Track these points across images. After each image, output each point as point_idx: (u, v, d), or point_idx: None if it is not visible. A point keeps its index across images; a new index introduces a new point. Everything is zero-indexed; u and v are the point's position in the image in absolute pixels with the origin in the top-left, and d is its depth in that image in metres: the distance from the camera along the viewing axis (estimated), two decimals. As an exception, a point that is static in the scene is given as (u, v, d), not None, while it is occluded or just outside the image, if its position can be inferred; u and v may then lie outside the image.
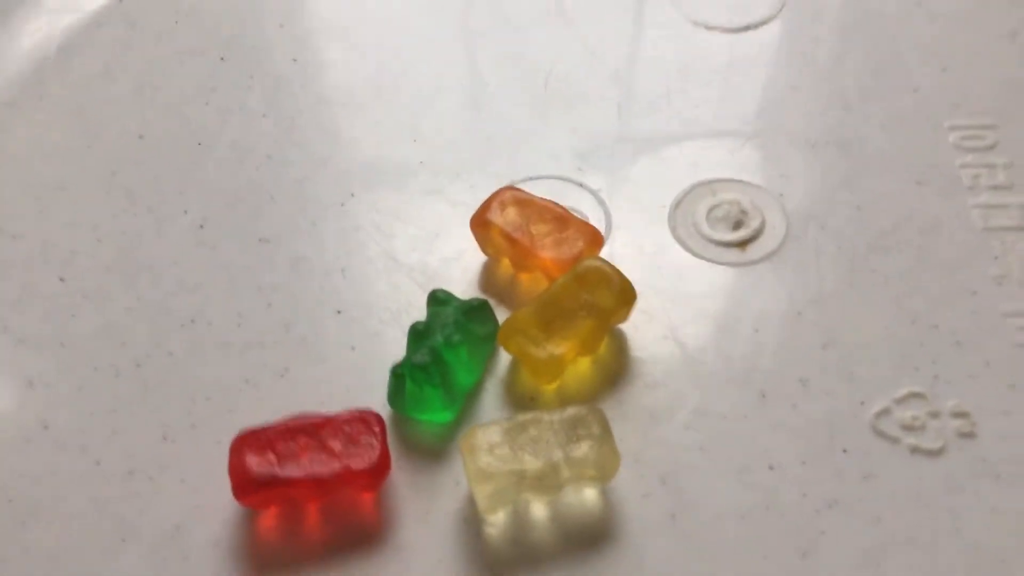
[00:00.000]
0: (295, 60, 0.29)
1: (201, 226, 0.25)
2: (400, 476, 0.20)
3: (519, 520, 0.20)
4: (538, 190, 0.24)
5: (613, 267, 0.22)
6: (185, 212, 0.25)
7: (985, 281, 0.23)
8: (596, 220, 0.25)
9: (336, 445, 0.19)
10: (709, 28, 0.29)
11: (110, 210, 0.25)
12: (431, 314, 0.22)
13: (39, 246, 0.25)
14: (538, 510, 0.20)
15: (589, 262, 0.22)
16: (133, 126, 0.27)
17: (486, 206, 0.23)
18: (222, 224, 0.25)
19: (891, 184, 0.25)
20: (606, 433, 0.19)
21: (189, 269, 0.24)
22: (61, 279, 0.24)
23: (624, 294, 0.22)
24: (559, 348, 0.21)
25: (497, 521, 0.19)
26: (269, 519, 0.19)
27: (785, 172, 0.26)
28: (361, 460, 0.19)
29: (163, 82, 0.28)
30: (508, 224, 0.23)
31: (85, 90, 0.28)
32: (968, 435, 0.21)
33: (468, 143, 0.27)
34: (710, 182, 0.25)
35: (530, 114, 0.27)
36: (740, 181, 0.25)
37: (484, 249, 0.24)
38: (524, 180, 0.25)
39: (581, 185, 0.25)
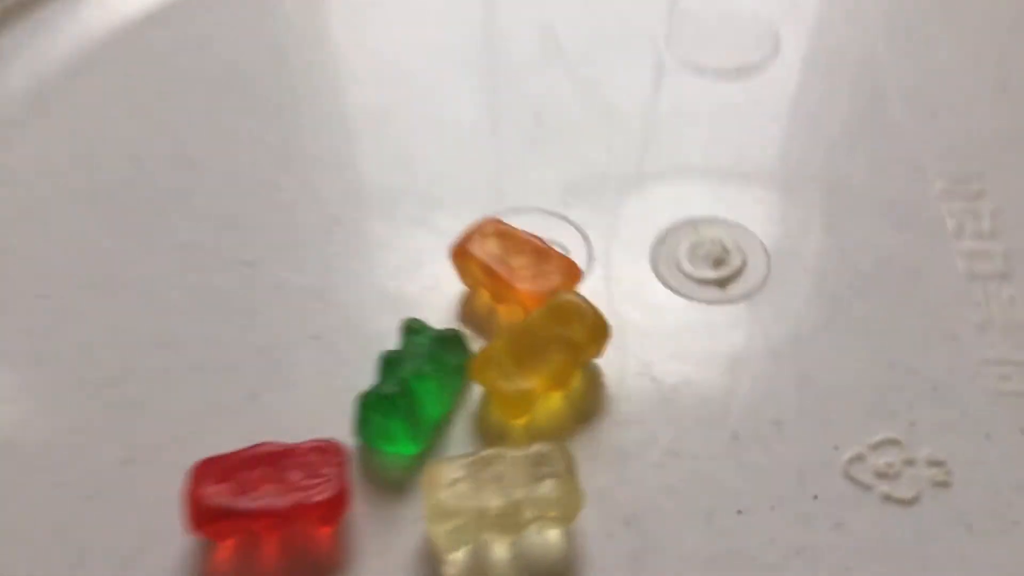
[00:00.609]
0: (293, 88, 0.29)
1: (185, 248, 0.25)
2: (362, 508, 0.20)
3: (479, 560, 0.19)
4: (522, 222, 0.24)
5: (587, 302, 0.22)
6: (171, 234, 0.25)
7: (966, 328, 0.23)
8: (578, 254, 0.24)
9: (296, 476, 0.19)
10: (701, 71, 0.29)
11: (96, 229, 0.25)
12: (404, 343, 0.22)
13: (20, 261, 0.25)
14: (499, 550, 0.19)
15: (564, 296, 0.22)
16: (126, 147, 0.27)
17: (467, 237, 0.23)
18: (207, 247, 0.25)
19: (874, 227, 0.25)
20: (570, 472, 0.19)
21: (169, 291, 0.24)
22: (40, 296, 0.24)
23: (597, 329, 0.22)
24: (529, 383, 0.21)
25: (456, 560, 0.19)
26: (225, 551, 0.19)
27: (769, 213, 0.26)
28: (320, 493, 0.19)
29: (160, 105, 0.28)
30: (487, 255, 0.23)
31: (82, 111, 0.28)
32: (942, 484, 0.20)
33: (456, 174, 0.27)
34: (694, 220, 0.25)
35: (520, 148, 0.27)
36: (724, 220, 0.25)
37: (463, 279, 0.24)
38: (508, 211, 0.25)
39: (565, 219, 0.25)
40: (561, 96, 0.29)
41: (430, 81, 0.29)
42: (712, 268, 0.24)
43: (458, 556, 0.19)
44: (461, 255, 0.23)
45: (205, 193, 0.26)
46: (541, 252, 0.23)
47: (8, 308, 0.24)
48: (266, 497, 0.19)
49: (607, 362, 0.22)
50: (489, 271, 0.23)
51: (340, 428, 0.21)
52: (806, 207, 0.26)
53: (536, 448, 0.19)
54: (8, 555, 0.19)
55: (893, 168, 0.26)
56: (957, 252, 0.24)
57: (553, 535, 0.19)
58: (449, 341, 0.22)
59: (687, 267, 0.24)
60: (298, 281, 0.24)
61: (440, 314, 0.23)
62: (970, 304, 0.23)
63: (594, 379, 0.22)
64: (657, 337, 0.23)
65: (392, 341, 0.22)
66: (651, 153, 0.27)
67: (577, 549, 0.19)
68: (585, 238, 0.25)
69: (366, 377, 0.21)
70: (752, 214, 0.25)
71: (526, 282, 0.23)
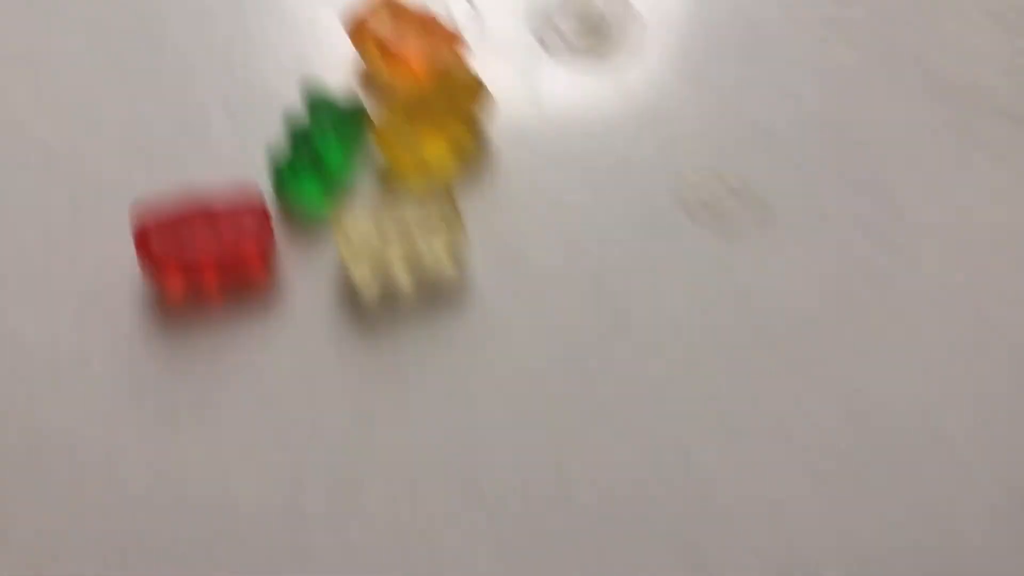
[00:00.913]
0: None
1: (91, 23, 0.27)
2: (286, 253, 0.24)
3: (388, 286, 0.24)
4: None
5: (470, 70, 0.25)
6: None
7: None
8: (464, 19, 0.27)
9: (226, 223, 0.23)
10: None
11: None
12: (311, 113, 0.25)
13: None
14: (403, 277, 0.24)
15: (449, 66, 0.25)
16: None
17: (362, 13, 0.26)
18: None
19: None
20: (457, 216, 0.23)
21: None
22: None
23: (478, 92, 0.25)
24: (425, 147, 0.24)
25: (371, 290, 0.24)
26: (175, 290, 0.23)
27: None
28: (251, 242, 0.23)
29: None
30: (382, 31, 0.26)
31: None
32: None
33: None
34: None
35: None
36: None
37: (358, 50, 0.26)
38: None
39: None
40: None
41: None
42: (587, 35, 0.27)
43: (372, 288, 0.24)
44: (358, 31, 0.26)
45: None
46: (428, 24, 0.26)
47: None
48: (204, 244, 0.23)
49: (489, 122, 0.26)
50: (383, 46, 0.26)
51: (250, 173, 0.24)
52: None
53: (429, 200, 0.23)
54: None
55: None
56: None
57: (447, 267, 0.24)
58: (351, 109, 0.25)
59: (562, 27, 0.27)
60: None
61: (338, 78, 0.26)
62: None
63: (478, 135, 0.26)
64: (533, 101, 0.26)
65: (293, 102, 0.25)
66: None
67: (466, 277, 0.24)
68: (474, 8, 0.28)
69: (273, 137, 0.25)
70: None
71: (416, 53, 0.26)
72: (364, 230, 0.23)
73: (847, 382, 0.22)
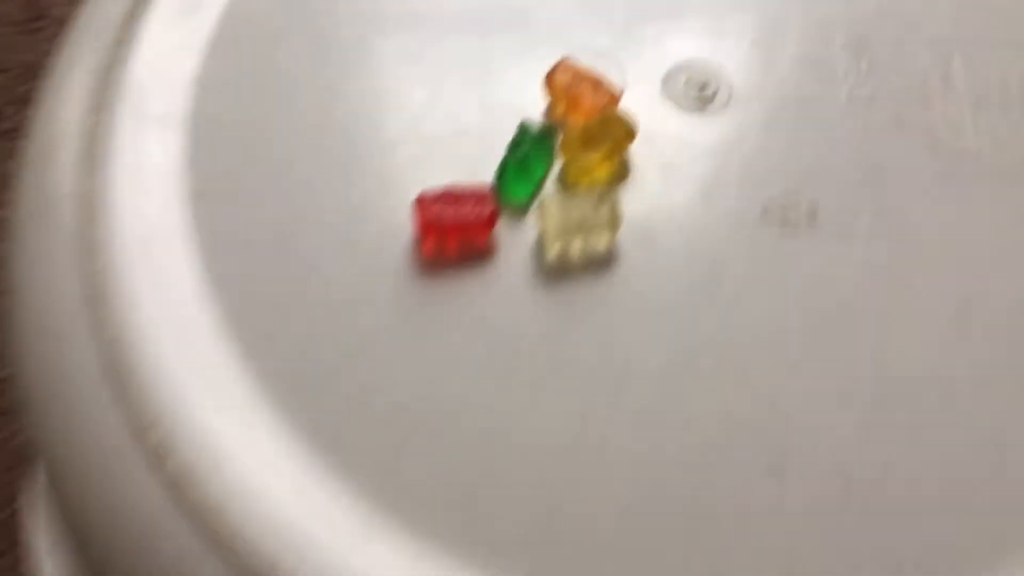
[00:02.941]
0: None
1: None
2: (502, 223, 0.37)
3: (566, 254, 0.36)
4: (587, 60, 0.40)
5: (622, 114, 0.38)
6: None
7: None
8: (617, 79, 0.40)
9: (471, 204, 0.36)
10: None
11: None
12: (522, 132, 0.38)
13: None
14: (576, 249, 0.37)
15: (607, 110, 0.38)
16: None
17: (553, 71, 0.39)
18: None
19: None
20: (615, 206, 0.36)
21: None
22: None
23: (627, 130, 0.38)
24: (592, 162, 0.38)
25: (555, 248, 0.36)
26: (429, 246, 0.36)
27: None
28: (483, 216, 0.36)
29: None
30: (564, 83, 0.39)
31: None
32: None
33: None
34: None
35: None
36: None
37: (550, 94, 0.39)
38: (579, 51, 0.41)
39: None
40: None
41: None
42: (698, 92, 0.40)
43: (556, 247, 0.36)
44: (549, 81, 0.39)
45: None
46: (596, 83, 0.39)
47: None
48: (459, 216, 0.36)
49: (634, 150, 0.39)
50: (567, 94, 0.39)
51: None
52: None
53: (597, 191, 0.37)
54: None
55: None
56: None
57: (606, 239, 0.37)
58: (547, 134, 0.38)
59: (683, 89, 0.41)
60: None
61: (539, 115, 0.39)
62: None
63: (626, 158, 0.39)
64: (663, 139, 0.39)
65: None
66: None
67: (616, 250, 0.37)
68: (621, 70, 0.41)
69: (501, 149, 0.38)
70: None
71: (587, 101, 0.39)
72: (554, 211, 0.36)
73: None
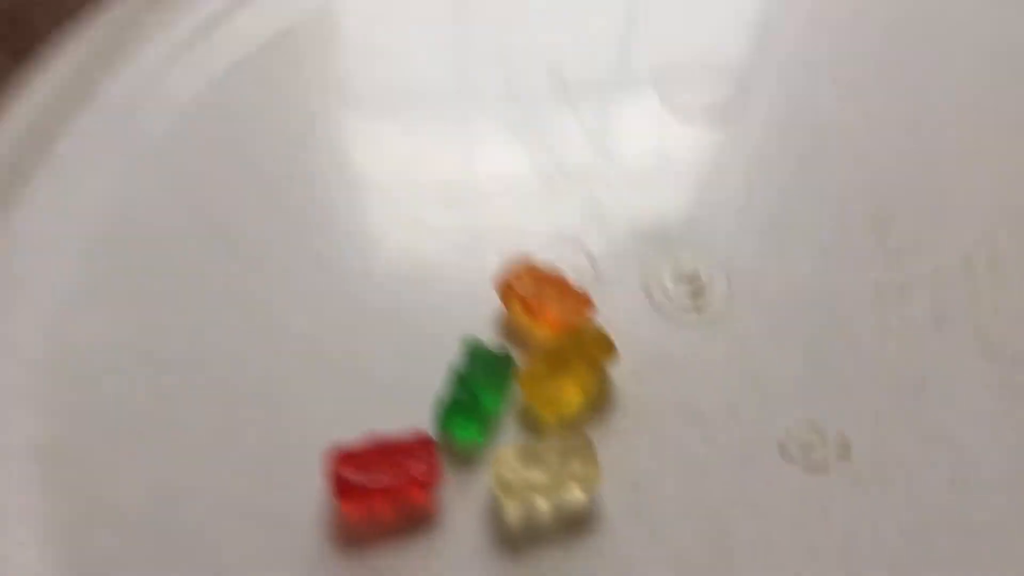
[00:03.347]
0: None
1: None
2: (447, 476, 0.29)
3: (530, 514, 0.29)
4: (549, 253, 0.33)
5: (598, 327, 0.31)
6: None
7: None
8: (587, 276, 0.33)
9: (404, 460, 0.28)
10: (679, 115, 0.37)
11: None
12: (468, 360, 0.30)
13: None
14: (543, 504, 0.29)
15: (582, 323, 0.31)
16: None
17: (508, 275, 0.32)
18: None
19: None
20: (591, 455, 0.28)
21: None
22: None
23: (606, 348, 0.30)
24: (562, 393, 0.30)
25: (515, 516, 0.28)
26: (354, 512, 0.28)
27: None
28: (421, 473, 0.28)
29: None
30: (525, 292, 0.32)
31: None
32: (844, 454, 0.30)
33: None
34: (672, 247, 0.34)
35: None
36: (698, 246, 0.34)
37: (506, 306, 0.32)
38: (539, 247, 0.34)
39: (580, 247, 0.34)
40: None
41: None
42: (688, 289, 0.33)
43: (515, 508, 0.28)
44: (505, 292, 0.32)
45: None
46: (563, 288, 0.32)
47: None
48: (386, 479, 0.28)
49: (614, 372, 0.31)
50: (526, 305, 0.31)
51: (423, 418, 0.30)
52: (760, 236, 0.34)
53: (569, 440, 0.29)
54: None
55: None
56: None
57: (582, 498, 0.29)
58: (502, 360, 0.30)
59: (669, 285, 0.33)
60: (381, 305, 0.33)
61: (490, 328, 0.32)
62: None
63: (607, 383, 0.31)
64: (648, 352, 0.32)
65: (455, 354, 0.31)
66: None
67: (595, 504, 0.29)
68: (593, 265, 0.34)
69: (438, 378, 0.30)
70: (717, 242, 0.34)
71: (554, 311, 0.31)
72: (513, 466, 0.28)
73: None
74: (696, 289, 0.33)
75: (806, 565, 0.28)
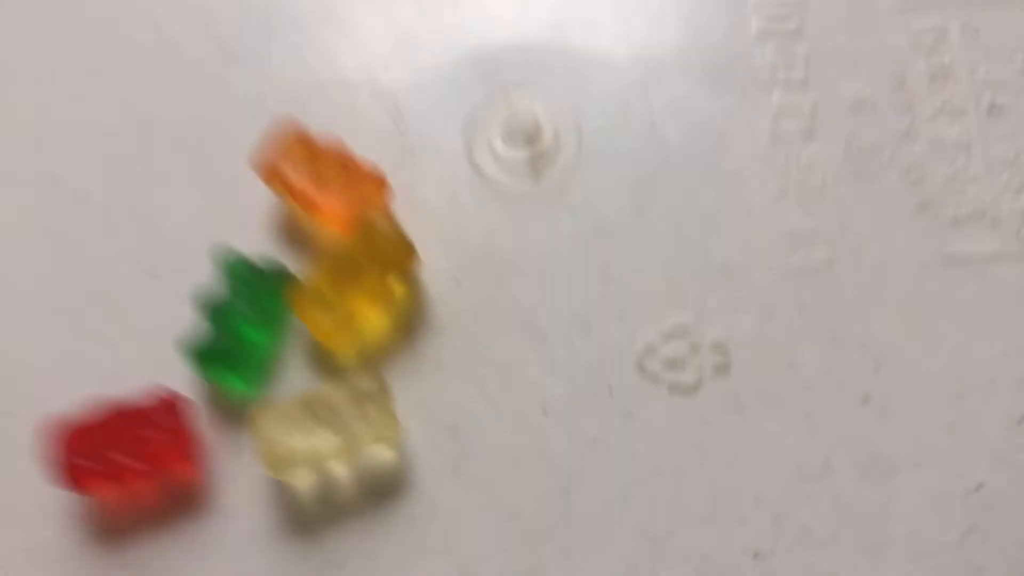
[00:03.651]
0: None
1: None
2: (214, 437, 0.22)
3: (326, 481, 0.22)
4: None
5: (395, 225, 0.23)
6: None
7: (762, 199, 0.24)
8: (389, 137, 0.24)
9: (148, 434, 0.21)
10: None
11: None
12: (226, 285, 0.23)
13: None
14: (339, 470, 0.22)
15: (372, 222, 0.23)
16: None
17: (274, 153, 0.23)
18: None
19: (686, 88, 0.25)
20: (386, 404, 0.22)
21: None
22: None
23: (404, 252, 0.23)
24: (352, 317, 0.22)
25: (305, 483, 0.22)
26: (105, 498, 0.22)
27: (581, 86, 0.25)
28: (169, 440, 0.21)
29: None
30: (297, 176, 0.23)
31: None
32: (722, 369, 0.23)
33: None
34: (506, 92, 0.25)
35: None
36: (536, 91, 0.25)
37: (273, 191, 0.24)
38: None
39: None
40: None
41: None
42: (525, 145, 0.25)
43: (306, 480, 0.22)
44: (272, 176, 0.23)
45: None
46: (349, 166, 0.23)
47: None
48: (127, 457, 0.21)
49: (425, 273, 0.23)
50: (301, 195, 0.23)
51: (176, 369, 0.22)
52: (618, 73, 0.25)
53: (356, 384, 0.22)
54: None
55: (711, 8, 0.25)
56: (766, 107, 0.25)
57: (386, 453, 0.22)
58: (271, 278, 0.23)
59: (499, 148, 0.25)
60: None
61: (256, 232, 0.24)
62: (771, 171, 0.24)
63: (414, 293, 0.23)
64: (469, 241, 0.24)
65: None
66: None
67: (406, 460, 0.22)
68: (398, 116, 0.25)
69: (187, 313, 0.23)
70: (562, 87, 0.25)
71: (337, 202, 0.23)
72: (287, 429, 0.21)
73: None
74: (537, 153, 0.24)
75: (676, 522, 0.22)
